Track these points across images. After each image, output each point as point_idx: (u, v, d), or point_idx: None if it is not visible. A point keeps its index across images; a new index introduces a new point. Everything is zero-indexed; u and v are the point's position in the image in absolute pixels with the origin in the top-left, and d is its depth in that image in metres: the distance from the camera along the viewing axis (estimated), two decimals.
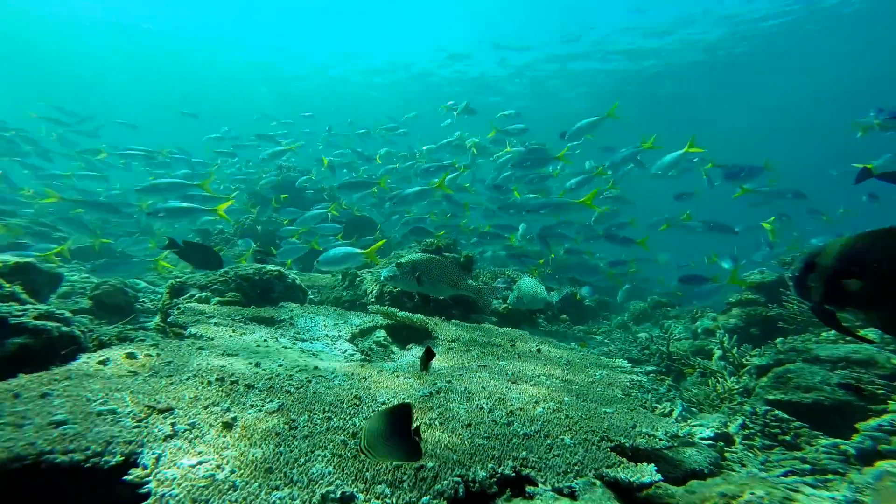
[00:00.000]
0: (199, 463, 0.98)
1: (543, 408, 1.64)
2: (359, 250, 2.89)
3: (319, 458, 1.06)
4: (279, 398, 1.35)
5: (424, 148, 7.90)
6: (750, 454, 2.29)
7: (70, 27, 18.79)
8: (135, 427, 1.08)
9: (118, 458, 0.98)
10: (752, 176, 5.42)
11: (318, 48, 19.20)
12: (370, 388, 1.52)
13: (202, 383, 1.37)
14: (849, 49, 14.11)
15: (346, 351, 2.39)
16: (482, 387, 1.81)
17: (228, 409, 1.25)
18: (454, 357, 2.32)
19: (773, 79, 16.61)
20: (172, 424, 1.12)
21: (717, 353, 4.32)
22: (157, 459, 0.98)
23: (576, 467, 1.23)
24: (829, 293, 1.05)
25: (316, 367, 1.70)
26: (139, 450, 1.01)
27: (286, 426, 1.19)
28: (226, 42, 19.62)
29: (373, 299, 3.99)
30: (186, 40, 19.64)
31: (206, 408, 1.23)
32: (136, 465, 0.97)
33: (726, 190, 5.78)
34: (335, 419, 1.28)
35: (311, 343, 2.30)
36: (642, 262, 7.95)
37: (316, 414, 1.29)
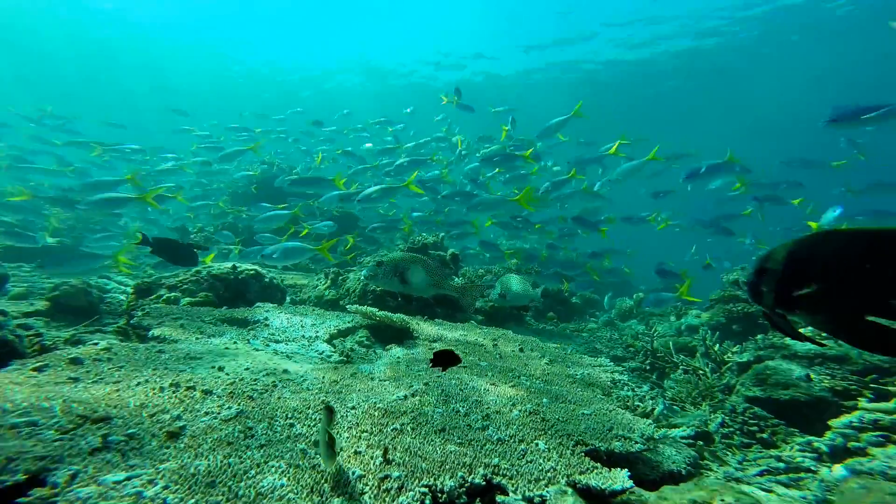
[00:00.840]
0: (128, 478, 0.89)
1: (520, 410, 1.60)
2: (309, 246, 2.77)
3: (273, 470, 1.00)
4: (239, 404, 1.27)
5: (411, 144, 7.81)
6: (728, 452, 2.30)
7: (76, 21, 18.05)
8: (56, 440, 0.98)
9: (19, 477, 0.88)
10: (716, 173, 5.49)
11: (307, 55, 18.91)
12: (341, 392, 1.46)
13: (153, 389, 1.28)
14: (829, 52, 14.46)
15: (323, 352, 2.32)
16: (460, 389, 1.76)
17: (179, 418, 1.17)
18: None
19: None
20: (105, 436, 1.03)
21: (700, 349, 4.37)
22: (73, 476, 0.89)
23: (548, 474, 1.19)
24: (780, 298, 1.06)
25: (285, 371, 1.63)
26: (53, 466, 0.91)
27: (241, 434, 1.12)
28: (227, 52, 19.17)
29: (356, 298, 3.91)
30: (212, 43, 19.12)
31: (151, 416, 1.15)
32: (45, 484, 0.88)
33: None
34: (298, 426, 1.21)
35: (287, 345, 2.22)
36: (627, 260, 8.03)
37: (278, 421, 1.22)
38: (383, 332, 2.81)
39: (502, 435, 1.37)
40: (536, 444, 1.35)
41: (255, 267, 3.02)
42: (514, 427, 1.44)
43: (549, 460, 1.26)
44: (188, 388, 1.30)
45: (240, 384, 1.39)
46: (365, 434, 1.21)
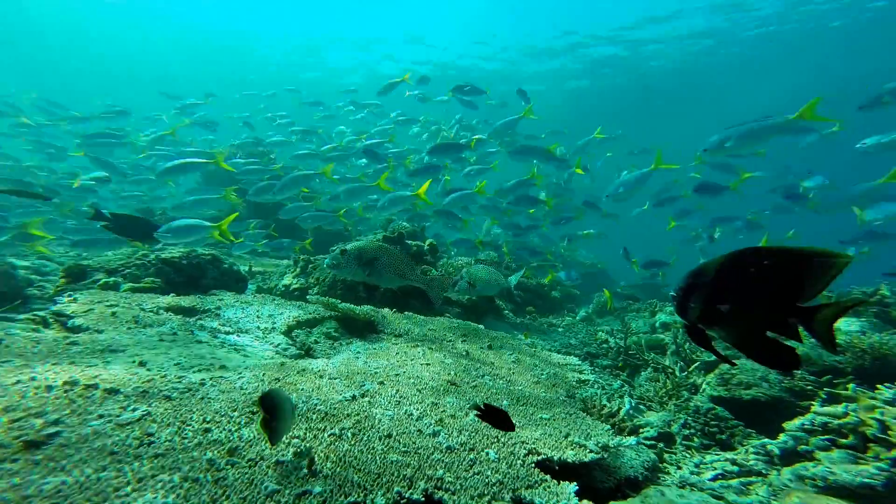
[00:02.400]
0: None
1: (475, 415, 1.52)
2: (206, 223, 2.57)
3: (159, 486, 0.87)
4: (148, 406, 1.14)
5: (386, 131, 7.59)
6: (687, 455, 2.32)
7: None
8: None
9: None
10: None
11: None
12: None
13: (35, 389, 1.12)
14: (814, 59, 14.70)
15: (278, 345, 2.20)
16: (417, 389, 1.68)
17: (56, 423, 1.01)
18: (397, 354, 2.18)
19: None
20: None
21: (671, 347, 4.42)
22: None
23: (494, 488, 1.12)
24: (705, 314, 1.10)
25: (223, 367, 1.50)
26: None
27: (136, 442, 0.99)
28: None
29: (325, 288, 3.77)
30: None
31: (14, 421, 1.00)
32: None
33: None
34: (215, 431, 1.09)
35: (238, 336, 2.09)
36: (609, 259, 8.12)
37: (191, 425, 1.09)
38: (354, 324, 2.70)
39: (453, 442, 1.30)
40: (487, 454, 1.28)
41: (213, 252, 2.83)
42: (467, 433, 1.37)
43: (497, 472, 1.19)
44: (87, 387, 1.15)
45: (159, 382, 1.25)
46: (295, 441, 1.11)
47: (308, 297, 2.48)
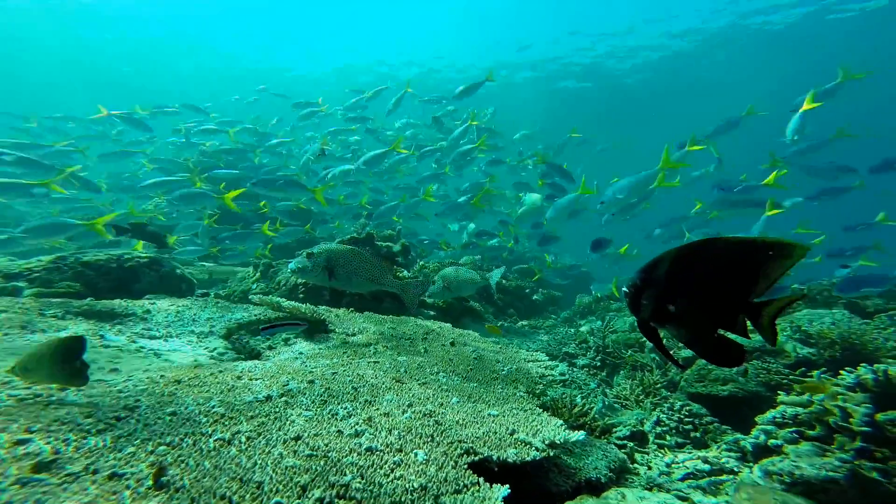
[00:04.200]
0: None
1: (414, 412, 1.36)
2: (74, 221, 2.41)
3: None
4: None
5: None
6: (660, 454, 2.19)
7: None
8: None
9: None
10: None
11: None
12: (174, 394, 1.16)
13: None
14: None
15: (214, 349, 2.00)
16: (354, 387, 1.50)
17: None
18: (344, 353, 2.00)
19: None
20: None
21: (649, 345, 4.33)
22: None
23: (412, 495, 0.96)
24: (657, 312, 1.05)
25: (114, 370, 1.31)
26: None
27: None
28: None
29: (286, 292, 3.57)
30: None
31: None
32: None
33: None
34: (38, 441, 0.90)
35: (165, 341, 1.88)
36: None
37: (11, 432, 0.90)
38: (319, 325, 2.50)
39: (377, 443, 1.13)
40: (415, 455, 1.11)
41: (151, 255, 2.60)
42: (397, 433, 1.20)
43: (422, 476, 1.03)
44: None
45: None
46: (162, 448, 0.93)
47: (250, 297, 2.30)
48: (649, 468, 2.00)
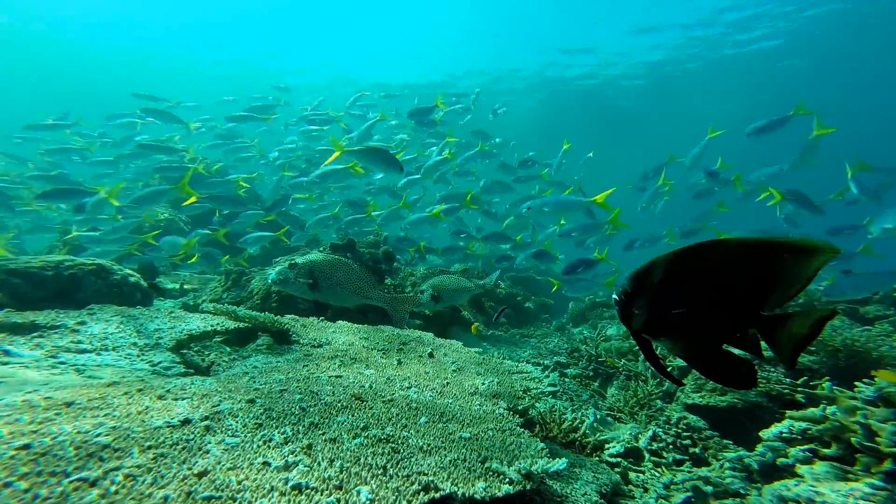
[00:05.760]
0: None
1: (367, 437, 1.15)
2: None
3: None
4: None
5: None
6: (657, 473, 1.99)
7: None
8: None
9: None
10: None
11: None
12: (48, 421, 0.93)
13: None
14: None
15: (158, 363, 1.77)
16: (301, 408, 1.29)
17: None
18: (305, 366, 1.79)
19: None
20: None
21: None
22: None
23: None
24: (652, 321, 0.92)
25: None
26: None
27: None
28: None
29: (258, 302, 3.34)
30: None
31: None
32: None
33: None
34: None
35: (98, 354, 1.66)
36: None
37: None
38: (283, 336, 2.28)
39: (310, 479, 0.92)
40: (357, 494, 0.90)
41: (99, 261, 2.36)
42: (339, 464, 0.99)
43: None
44: None
45: None
46: (29, 471, 0.71)
47: (203, 306, 2.08)
48: (645, 490, 1.79)
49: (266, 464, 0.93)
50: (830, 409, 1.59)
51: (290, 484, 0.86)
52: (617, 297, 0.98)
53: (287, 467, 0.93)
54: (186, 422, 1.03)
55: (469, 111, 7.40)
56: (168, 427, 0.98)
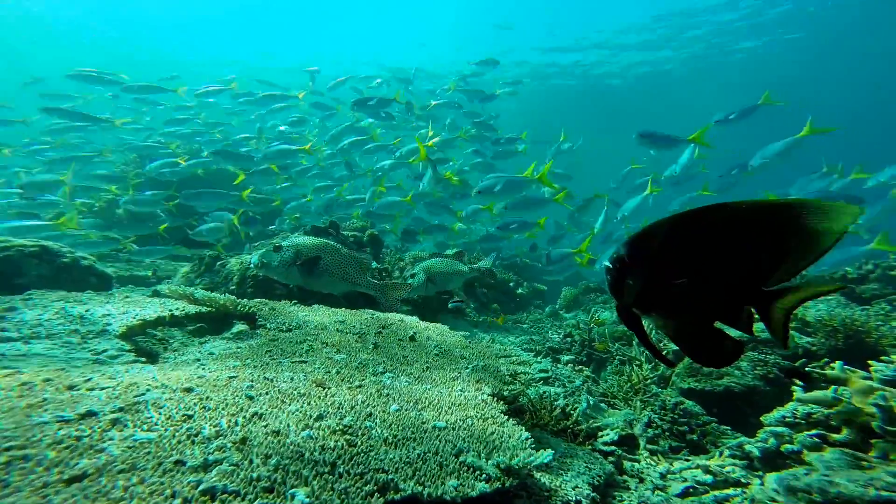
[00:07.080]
0: None
1: (318, 429, 0.98)
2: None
3: None
4: None
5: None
6: (653, 462, 1.86)
7: None
8: None
9: None
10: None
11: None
12: None
13: None
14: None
15: (103, 351, 1.57)
16: (248, 396, 1.11)
17: None
18: (268, 352, 1.60)
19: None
20: None
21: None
22: None
23: None
24: (646, 293, 0.81)
25: None
26: None
27: None
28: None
29: (234, 287, 3.13)
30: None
31: None
32: None
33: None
34: None
35: (26, 343, 1.46)
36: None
37: None
38: (227, 319, 2.09)
39: (233, 481, 0.74)
40: (291, 497, 0.73)
41: (44, 243, 2.10)
42: (276, 460, 0.81)
43: None
44: None
45: None
46: None
47: (158, 287, 1.88)
48: (641, 480, 1.66)
49: (179, 463, 0.74)
50: (842, 391, 1.45)
51: (200, 488, 0.68)
52: (609, 265, 0.83)
53: (205, 467, 0.75)
54: (89, 415, 0.84)
55: (409, 82, 7.47)
56: (59, 422, 0.79)
